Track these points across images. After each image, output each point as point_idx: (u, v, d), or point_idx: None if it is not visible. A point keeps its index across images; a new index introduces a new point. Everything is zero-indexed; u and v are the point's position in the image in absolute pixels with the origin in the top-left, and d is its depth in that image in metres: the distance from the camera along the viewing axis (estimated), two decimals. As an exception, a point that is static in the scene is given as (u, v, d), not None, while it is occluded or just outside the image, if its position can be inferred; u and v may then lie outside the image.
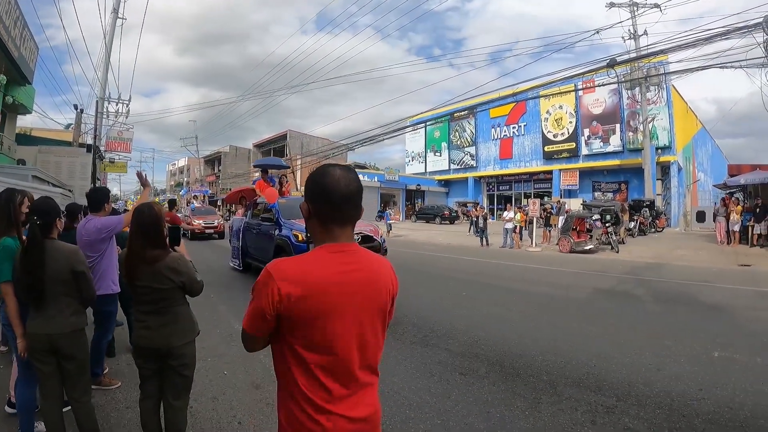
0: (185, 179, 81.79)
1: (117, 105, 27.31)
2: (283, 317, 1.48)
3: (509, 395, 4.44)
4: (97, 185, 23.02)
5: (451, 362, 5.39)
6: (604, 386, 4.62)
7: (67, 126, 29.05)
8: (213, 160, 72.96)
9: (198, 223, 25.02)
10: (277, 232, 10.02)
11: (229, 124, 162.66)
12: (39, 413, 3.46)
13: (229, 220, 22.72)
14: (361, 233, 9.08)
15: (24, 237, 3.30)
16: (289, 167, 15.92)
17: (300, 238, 8.97)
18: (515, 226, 20.15)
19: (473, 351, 5.78)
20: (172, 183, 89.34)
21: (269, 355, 1.63)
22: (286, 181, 13.61)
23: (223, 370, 5.12)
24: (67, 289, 3.17)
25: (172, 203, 14.62)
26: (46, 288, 3.09)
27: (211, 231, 25.00)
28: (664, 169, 30.66)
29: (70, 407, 3.31)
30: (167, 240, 3.23)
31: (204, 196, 52.56)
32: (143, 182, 5.07)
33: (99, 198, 4.75)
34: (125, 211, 6.48)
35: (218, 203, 54.84)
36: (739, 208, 18.61)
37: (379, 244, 9.59)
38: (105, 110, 26.35)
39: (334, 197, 1.54)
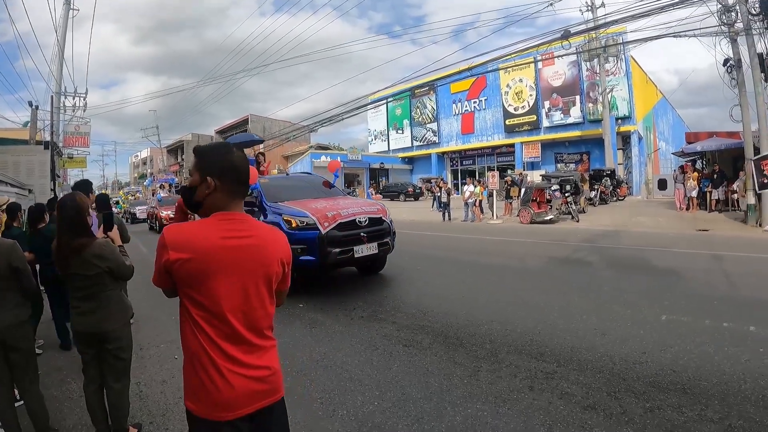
0: (149, 170, 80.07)
1: (74, 99, 26.38)
2: (174, 276, 1.65)
3: (450, 364, 4.46)
4: (57, 182, 22.42)
5: (396, 335, 5.39)
6: (546, 352, 4.60)
7: (25, 124, 28.00)
8: (176, 149, 71.16)
9: (166, 213, 23.09)
10: (261, 218, 8.08)
11: (190, 110, 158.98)
12: None
13: None
14: (367, 216, 7.70)
15: None
16: (263, 140, 14.85)
17: (294, 224, 7.38)
18: (475, 200, 20.09)
19: (419, 323, 5.76)
20: (136, 175, 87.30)
21: None
22: (264, 159, 12.32)
23: (174, 355, 5.12)
24: (8, 283, 3.24)
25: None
26: None
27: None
28: (625, 139, 30.95)
29: (21, 402, 3.43)
30: (103, 226, 3.53)
31: (170, 185, 51.60)
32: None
33: (82, 189, 4.88)
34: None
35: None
36: (696, 174, 18.85)
37: (387, 226, 8.09)
38: (62, 105, 25.38)
39: (242, 175, 1.75)
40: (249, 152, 13.81)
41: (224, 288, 1.64)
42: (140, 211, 33.16)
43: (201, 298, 1.63)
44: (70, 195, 3.34)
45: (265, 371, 1.71)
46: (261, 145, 14.05)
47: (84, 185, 5.29)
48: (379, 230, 7.85)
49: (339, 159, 42.49)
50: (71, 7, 24.40)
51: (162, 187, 44.87)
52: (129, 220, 31.22)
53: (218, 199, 1.71)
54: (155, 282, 1.76)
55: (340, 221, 7.35)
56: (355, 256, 7.38)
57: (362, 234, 7.51)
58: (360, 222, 7.58)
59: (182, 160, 66.97)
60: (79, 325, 3.22)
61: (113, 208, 10.43)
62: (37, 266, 5.47)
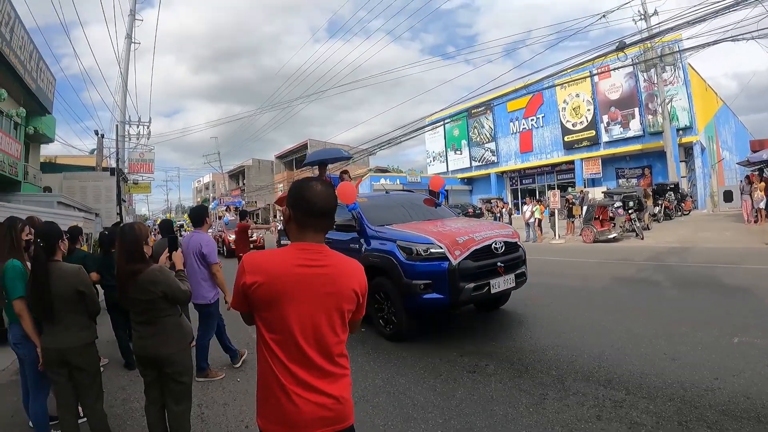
0: (211, 195, 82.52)
1: (138, 127, 27.77)
2: (250, 300, 1.79)
3: (515, 392, 4.40)
4: (123, 206, 23.63)
5: (461, 361, 5.37)
6: (614, 379, 4.52)
7: (92, 151, 29.64)
8: (237, 174, 73.57)
9: (233, 237, 21.01)
10: (364, 246, 6.86)
11: (250, 136, 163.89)
12: (56, 426, 3.64)
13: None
14: (503, 241, 6.43)
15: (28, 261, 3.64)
16: (350, 156, 13.57)
17: (415, 254, 6.01)
18: (536, 219, 20.00)
19: (484, 349, 5.74)
20: (199, 199, 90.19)
21: None
22: (350, 178, 10.75)
23: (236, 378, 5.36)
24: (74, 306, 3.43)
25: (244, 214, 15.49)
26: (54, 306, 3.35)
27: (251, 246, 21.44)
28: (687, 151, 30.06)
29: (85, 419, 3.58)
30: (168, 248, 3.74)
31: (236, 208, 51.32)
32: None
33: (199, 215, 5.61)
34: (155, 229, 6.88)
35: (247, 217, 54.27)
36: (763, 184, 18.18)
37: (523, 253, 6.92)
38: (126, 133, 26.81)
39: (314, 210, 1.84)
40: (334, 169, 13.06)
41: (296, 313, 1.76)
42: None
43: (274, 323, 1.77)
44: (130, 224, 3.53)
45: (333, 400, 1.79)
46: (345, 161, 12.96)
47: (200, 210, 5.75)
48: (516, 258, 6.65)
49: (398, 181, 42.80)
50: (132, 41, 26.02)
51: (228, 209, 44.74)
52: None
53: (294, 229, 1.88)
54: (234, 305, 1.90)
55: (474, 248, 6.04)
56: (492, 291, 6.05)
57: (499, 264, 6.24)
58: (496, 249, 6.30)
59: (243, 184, 68.85)
60: (139, 349, 3.35)
61: (177, 232, 10.81)
62: (101, 289, 5.96)
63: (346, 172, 10.59)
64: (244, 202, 54.83)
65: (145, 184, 32.57)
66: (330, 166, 12.14)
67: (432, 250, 5.95)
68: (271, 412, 1.78)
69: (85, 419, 3.60)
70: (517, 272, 6.49)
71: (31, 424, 3.97)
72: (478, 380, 4.78)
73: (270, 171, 67.11)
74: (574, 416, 3.83)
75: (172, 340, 3.34)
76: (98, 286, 5.92)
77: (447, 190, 44.50)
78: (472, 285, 5.87)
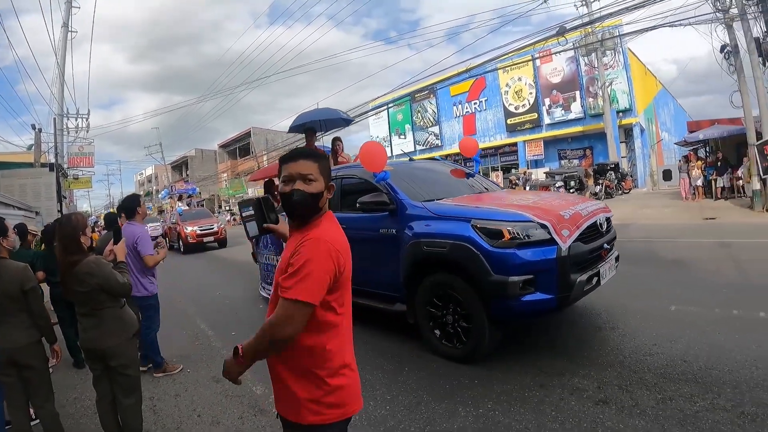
0: (154, 187, 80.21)
1: (76, 120, 26.54)
2: (337, 283, 1.70)
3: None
4: (63, 203, 22.53)
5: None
6: (556, 348, 4.62)
7: (29, 147, 28.20)
8: (180, 165, 71.54)
9: (191, 230, 19.60)
10: (407, 231, 4.88)
11: (192, 126, 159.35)
12: (10, 430, 3.55)
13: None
14: (605, 216, 5.11)
15: None
16: (352, 120, 11.44)
17: (506, 237, 4.15)
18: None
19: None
20: (142, 192, 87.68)
21: (231, 349, 1.72)
22: (342, 146, 8.98)
23: (186, 368, 5.27)
24: (19, 305, 3.32)
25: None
26: (0, 304, 3.26)
27: (211, 239, 19.69)
28: (627, 132, 30.79)
29: (38, 420, 3.51)
30: (112, 241, 3.79)
31: (190, 196, 45.70)
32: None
33: (131, 205, 5.21)
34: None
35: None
36: (700, 163, 18.78)
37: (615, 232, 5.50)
38: (65, 127, 25.55)
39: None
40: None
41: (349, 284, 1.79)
42: (152, 229, 28.86)
43: (343, 297, 1.76)
44: (67, 215, 3.47)
45: None
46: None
47: (131, 199, 5.40)
48: (614, 238, 5.34)
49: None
50: (69, 29, 24.58)
51: (181, 198, 41.60)
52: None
53: (327, 203, 1.82)
54: (310, 298, 1.60)
55: (584, 225, 4.46)
56: (601, 282, 4.62)
57: (605, 245, 4.85)
58: (601, 225, 4.88)
59: (187, 175, 67.15)
60: (83, 342, 3.33)
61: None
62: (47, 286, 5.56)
63: (338, 139, 8.98)
64: (198, 190, 52.47)
65: (86, 179, 31.05)
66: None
67: (531, 231, 4.18)
68: (348, 394, 1.76)
69: (37, 421, 3.52)
70: (615, 255, 5.21)
71: None
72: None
73: (213, 161, 65.45)
74: (518, 385, 3.90)
75: (112, 333, 3.28)
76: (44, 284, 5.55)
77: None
78: (584, 277, 4.28)
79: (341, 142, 8.90)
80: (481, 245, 4.19)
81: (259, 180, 10.91)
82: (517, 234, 4.14)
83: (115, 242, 3.73)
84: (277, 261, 5.99)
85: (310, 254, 1.62)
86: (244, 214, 2.09)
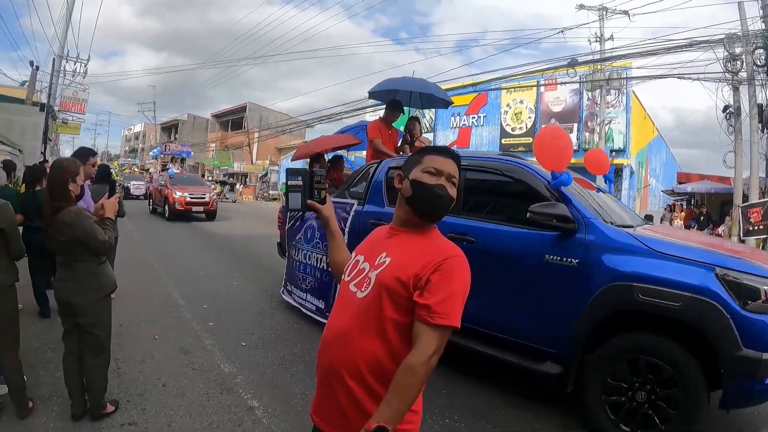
0: (140, 145, 79.06)
1: (75, 64, 25.77)
2: None
3: None
4: (48, 145, 22.15)
5: None
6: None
7: (23, 83, 27.61)
8: (170, 127, 70.41)
9: (180, 195, 17.69)
10: (607, 264, 3.49)
11: (189, 91, 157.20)
12: None
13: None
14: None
15: None
16: (452, 103, 9.34)
17: (762, 298, 3.07)
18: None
19: None
20: (127, 148, 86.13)
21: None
22: (420, 128, 7.89)
23: (154, 335, 5.17)
24: None
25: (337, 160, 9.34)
26: None
27: (200, 209, 18.15)
28: (617, 172, 31.13)
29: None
30: (108, 194, 3.46)
31: (182, 160, 41.49)
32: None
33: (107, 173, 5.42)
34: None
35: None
36: (683, 214, 19.10)
37: None
38: (63, 69, 24.99)
39: None
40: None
41: None
42: (135, 187, 29.63)
43: None
44: (59, 160, 3.41)
45: None
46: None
47: (83, 153, 5.25)
48: None
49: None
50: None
51: (173, 160, 37.27)
52: (122, 196, 30.33)
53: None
54: (458, 322, 1.44)
55: None
56: None
57: None
58: None
59: (175, 138, 66.29)
60: (56, 292, 3.26)
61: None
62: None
63: (416, 119, 7.74)
64: (193, 153, 50.34)
65: (75, 125, 30.47)
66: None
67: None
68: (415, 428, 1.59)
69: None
70: None
71: None
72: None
73: (204, 129, 64.86)
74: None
75: (84, 287, 3.20)
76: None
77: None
78: None
79: (419, 123, 7.66)
80: (731, 306, 3.06)
81: (302, 157, 9.37)
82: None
83: (110, 196, 3.49)
84: (322, 263, 5.57)
85: (464, 276, 1.50)
86: (290, 183, 1.88)
